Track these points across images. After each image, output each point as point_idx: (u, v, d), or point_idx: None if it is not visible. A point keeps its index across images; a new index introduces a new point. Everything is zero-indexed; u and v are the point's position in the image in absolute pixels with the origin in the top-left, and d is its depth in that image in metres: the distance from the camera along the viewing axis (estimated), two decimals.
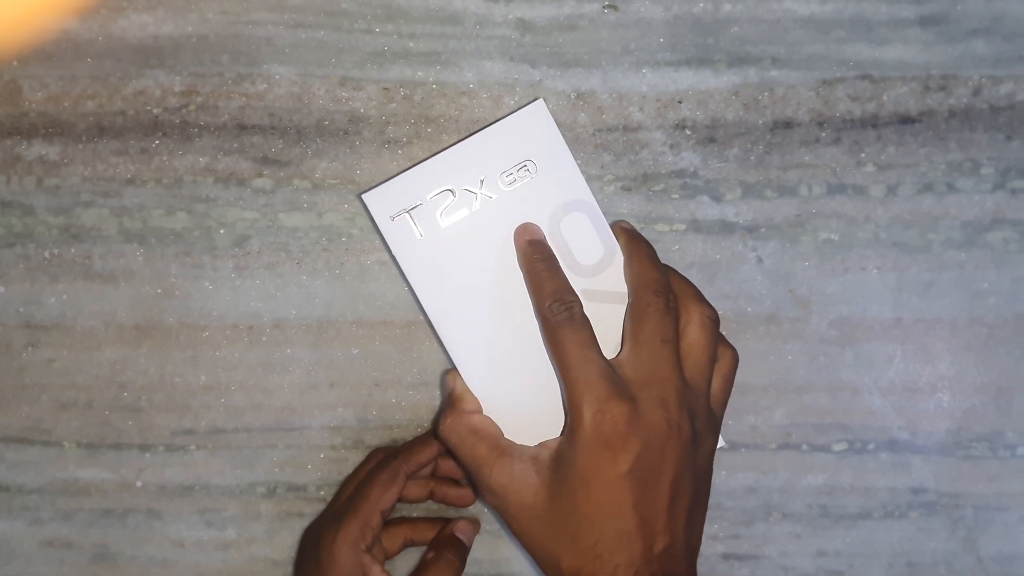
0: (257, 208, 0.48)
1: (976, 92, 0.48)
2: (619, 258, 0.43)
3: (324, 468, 0.49)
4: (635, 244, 0.43)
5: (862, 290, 0.48)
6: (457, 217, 0.43)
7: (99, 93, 0.47)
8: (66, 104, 0.47)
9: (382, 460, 0.45)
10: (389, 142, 0.47)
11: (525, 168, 0.42)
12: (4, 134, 0.47)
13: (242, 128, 0.47)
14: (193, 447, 0.49)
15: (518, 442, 0.41)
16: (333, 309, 0.48)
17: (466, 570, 0.49)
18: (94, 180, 0.47)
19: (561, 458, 0.39)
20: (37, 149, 0.47)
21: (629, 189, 0.48)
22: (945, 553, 0.50)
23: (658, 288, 0.40)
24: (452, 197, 0.42)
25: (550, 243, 0.43)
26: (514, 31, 0.47)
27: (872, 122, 0.48)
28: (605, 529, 0.38)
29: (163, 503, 0.49)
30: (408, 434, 0.49)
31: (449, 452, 0.43)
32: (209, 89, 0.47)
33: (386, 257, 0.48)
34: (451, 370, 0.44)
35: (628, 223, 0.45)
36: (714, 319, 0.41)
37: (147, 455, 0.49)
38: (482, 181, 0.43)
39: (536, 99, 0.43)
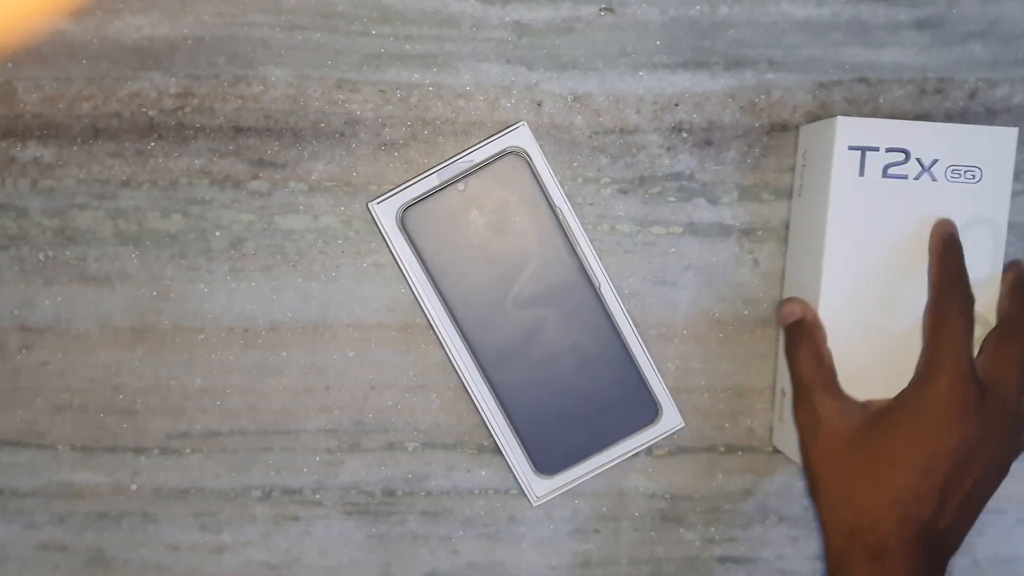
0: (253, 210, 0.47)
1: (972, 95, 0.48)
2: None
3: (320, 471, 0.49)
4: (1020, 282, 0.44)
5: None
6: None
7: (94, 95, 0.47)
8: (61, 106, 0.47)
9: None
10: (385, 144, 0.47)
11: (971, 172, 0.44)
12: None
13: (238, 130, 0.47)
14: (188, 450, 0.49)
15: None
16: (329, 312, 0.48)
17: (463, 574, 0.49)
18: (89, 182, 0.47)
19: (898, 404, 0.41)
20: (32, 151, 0.47)
21: (626, 191, 0.48)
22: None
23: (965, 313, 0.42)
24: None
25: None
26: (511, 33, 0.47)
27: None
28: (910, 484, 0.40)
29: (158, 506, 0.49)
30: (404, 437, 0.49)
31: (790, 370, 0.44)
32: (205, 91, 0.47)
33: (383, 260, 0.48)
34: (795, 298, 0.44)
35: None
36: None
37: (142, 458, 0.49)
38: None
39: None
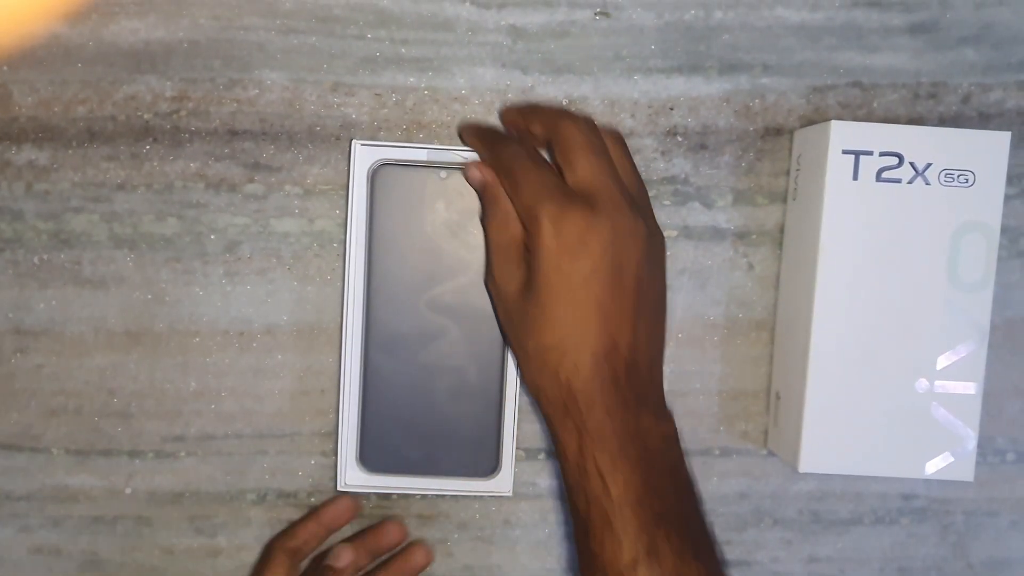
0: (248, 214, 0.47)
1: (966, 100, 0.48)
2: None
3: (315, 475, 0.49)
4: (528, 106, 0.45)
5: None
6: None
7: (90, 98, 0.47)
8: (56, 109, 0.47)
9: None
10: None
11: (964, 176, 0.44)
12: None
13: (233, 133, 0.47)
14: (183, 454, 0.49)
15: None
16: (325, 315, 0.48)
17: None
18: (84, 185, 0.47)
19: (531, 268, 0.40)
20: (27, 154, 0.47)
21: None
22: (936, 559, 0.50)
23: (574, 117, 0.42)
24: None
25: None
26: (506, 37, 0.47)
27: None
28: (569, 326, 0.39)
29: (153, 510, 0.49)
30: None
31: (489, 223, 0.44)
32: (200, 94, 0.47)
33: None
34: (477, 163, 0.44)
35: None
36: (623, 137, 0.44)
37: (137, 462, 0.49)
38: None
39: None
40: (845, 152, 0.43)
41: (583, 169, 0.40)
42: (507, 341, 0.44)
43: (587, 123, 0.42)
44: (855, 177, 0.43)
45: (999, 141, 0.43)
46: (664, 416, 0.41)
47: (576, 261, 0.39)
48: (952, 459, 0.44)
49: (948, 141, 0.43)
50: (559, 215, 0.39)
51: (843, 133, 0.43)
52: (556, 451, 0.41)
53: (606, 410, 0.39)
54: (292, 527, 0.47)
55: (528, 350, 0.41)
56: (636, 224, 0.40)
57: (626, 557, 0.37)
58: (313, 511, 0.48)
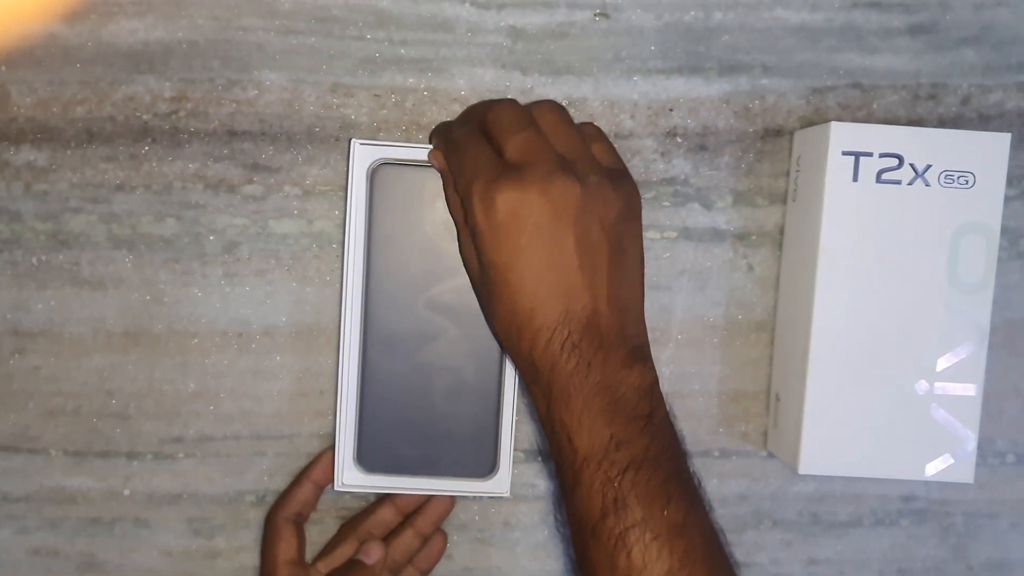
0: (247, 215, 0.47)
1: (965, 101, 0.48)
2: None
3: None
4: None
5: None
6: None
7: (88, 98, 0.47)
8: (55, 109, 0.46)
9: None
10: None
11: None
12: None
13: (232, 134, 0.47)
14: (181, 455, 0.48)
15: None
16: (323, 316, 0.48)
17: None
18: (83, 186, 0.47)
19: (475, 246, 0.41)
20: (25, 155, 0.47)
21: None
22: (935, 560, 0.50)
23: (499, 101, 0.43)
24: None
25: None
26: (505, 38, 0.47)
27: None
28: (520, 300, 0.39)
29: (151, 511, 0.49)
30: None
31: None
32: (199, 95, 0.47)
33: None
34: (434, 151, 0.44)
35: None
36: (559, 105, 0.43)
37: (135, 463, 0.48)
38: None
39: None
40: (845, 153, 0.43)
41: (511, 145, 0.40)
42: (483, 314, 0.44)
43: (510, 103, 0.43)
44: (855, 178, 0.43)
45: (999, 142, 0.43)
46: (639, 366, 0.40)
47: (511, 234, 0.39)
48: (952, 461, 0.44)
49: (948, 142, 0.43)
50: (487, 191, 0.39)
51: (843, 134, 0.43)
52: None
53: (567, 373, 0.39)
54: (288, 494, 0.47)
55: (494, 328, 0.42)
56: (568, 184, 0.39)
57: (595, 511, 0.38)
58: (303, 472, 0.47)
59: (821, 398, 0.44)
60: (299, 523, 0.46)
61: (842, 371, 0.44)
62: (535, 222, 0.39)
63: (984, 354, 0.44)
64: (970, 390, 0.44)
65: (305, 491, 0.47)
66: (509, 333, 0.40)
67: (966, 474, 0.44)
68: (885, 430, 0.44)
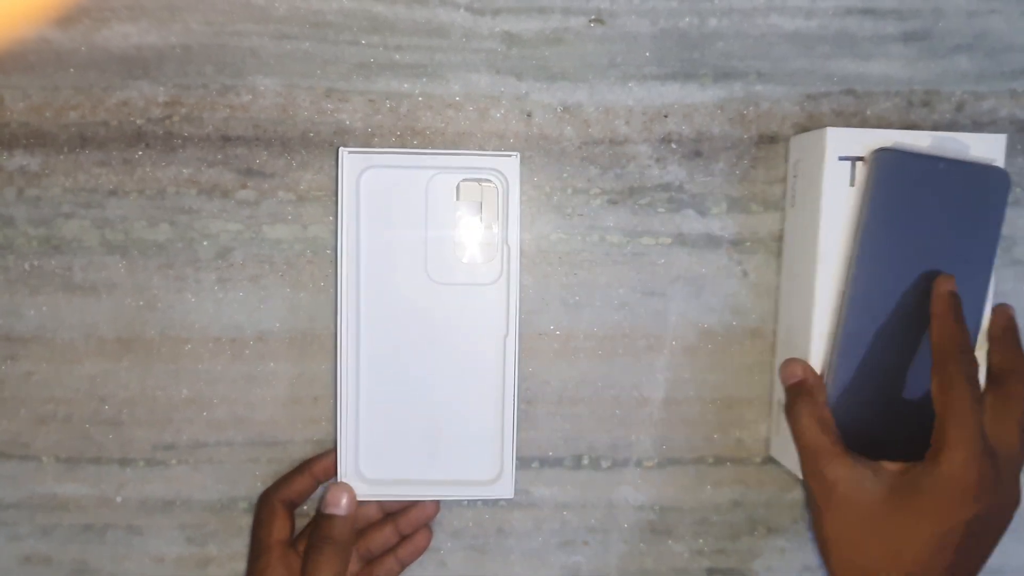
0: (241, 220, 0.47)
1: (959, 108, 0.48)
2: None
3: None
4: (1009, 330, 0.45)
5: None
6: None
7: (81, 103, 0.46)
8: (48, 114, 0.46)
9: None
10: None
11: None
12: None
13: (226, 139, 0.47)
14: (174, 461, 0.48)
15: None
16: (317, 322, 0.48)
17: None
18: (75, 191, 0.47)
19: (914, 479, 0.40)
20: (18, 160, 0.47)
21: (615, 202, 0.48)
22: None
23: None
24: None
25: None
26: (500, 44, 0.47)
27: None
28: (922, 560, 0.40)
29: (143, 518, 0.48)
30: None
31: (792, 432, 0.44)
32: (193, 100, 0.47)
33: None
34: (797, 359, 0.44)
35: (1011, 310, 0.45)
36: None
37: (127, 470, 0.48)
38: None
39: None
40: (841, 159, 0.43)
41: (1008, 432, 0.41)
42: (829, 547, 0.42)
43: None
44: (852, 183, 0.43)
45: (995, 143, 0.44)
46: None
47: (964, 504, 0.40)
48: None
49: (944, 145, 0.43)
50: (975, 457, 0.40)
51: (839, 139, 0.43)
52: None
53: None
54: (287, 479, 0.47)
55: (873, 563, 0.41)
56: (1015, 497, 0.42)
57: None
58: (305, 464, 0.47)
59: None
60: (292, 509, 0.46)
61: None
62: (985, 510, 0.40)
63: (983, 357, 0.44)
64: None
65: (304, 481, 0.47)
66: None
67: None
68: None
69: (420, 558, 0.48)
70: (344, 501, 0.45)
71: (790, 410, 0.43)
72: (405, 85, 0.47)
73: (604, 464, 0.49)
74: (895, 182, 0.43)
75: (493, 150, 0.47)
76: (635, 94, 0.47)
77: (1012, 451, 0.41)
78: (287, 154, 0.47)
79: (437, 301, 0.46)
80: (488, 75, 0.47)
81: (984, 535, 0.41)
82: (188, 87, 0.46)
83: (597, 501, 0.49)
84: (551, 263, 0.48)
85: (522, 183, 0.47)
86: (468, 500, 0.49)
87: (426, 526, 0.48)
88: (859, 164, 0.43)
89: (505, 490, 0.46)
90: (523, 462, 0.49)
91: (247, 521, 0.48)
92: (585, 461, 0.49)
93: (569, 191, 0.48)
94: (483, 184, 0.45)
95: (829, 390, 0.43)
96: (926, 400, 0.42)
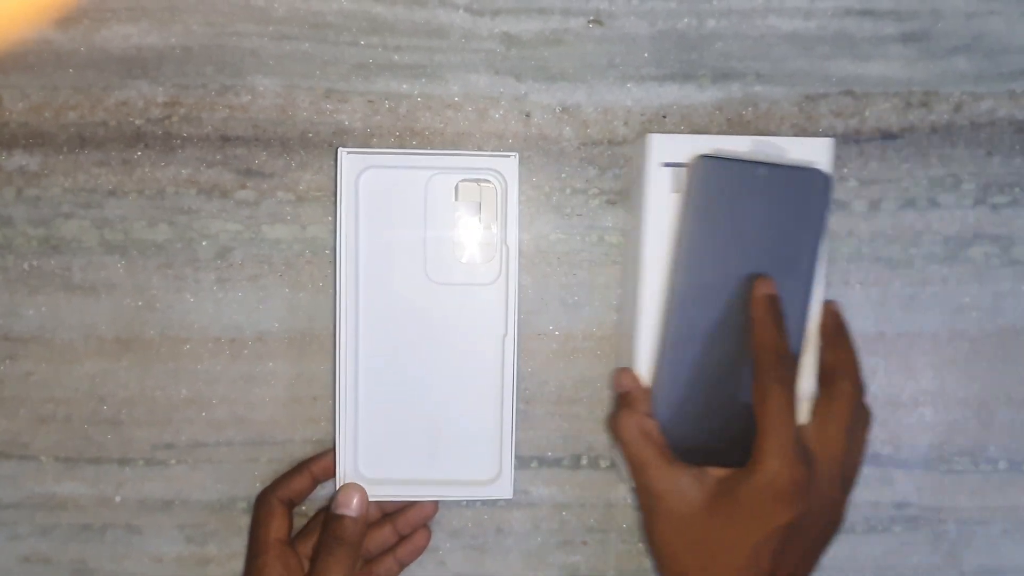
0: (240, 220, 0.47)
1: (957, 108, 0.48)
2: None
3: None
4: (839, 327, 0.44)
5: (845, 304, 0.49)
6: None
7: (81, 103, 0.46)
8: (47, 114, 0.46)
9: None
10: None
11: None
12: None
13: (225, 140, 0.47)
14: (173, 461, 0.48)
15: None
16: (316, 322, 0.48)
17: None
18: (75, 191, 0.47)
19: (731, 487, 0.41)
20: (17, 159, 0.47)
21: (614, 203, 0.48)
22: (928, 567, 0.50)
23: (856, 379, 0.43)
24: None
25: None
26: (500, 45, 0.47)
27: (854, 138, 0.48)
28: (739, 566, 0.40)
29: (143, 518, 0.48)
30: None
31: (618, 444, 0.44)
32: (192, 100, 0.47)
33: None
34: (625, 369, 0.44)
35: (837, 306, 0.45)
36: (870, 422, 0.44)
37: (127, 469, 0.48)
38: None
39: None
40: (665, 165, 0.43)
41: (831, 436, 0.42)
42: (657, 556, 0.43)
43: (861, 389, 0.43)
44: (675, 190, 0.43)
45: (822, 147, 0.43)
46: None
47: (777, 512, 0.40)
48: None
49: (765, 150, 0.43)
50: (788, 466, 0.40)
51: (661, 146, 0.43)
52: None
53: None
54: (285, 478, 0.47)
55: (697, 565, 0.41)
56: (838, 502, 0.42)
57: None
58: (304, 463, 0.47)
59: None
60: (291, 508, 0.46)
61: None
62: (801, 515, 0.41)
63: (812, 356, 0.44)
64: (806, 390, 0.44)
65: (303, 480, 0.47)
66: None
67: None
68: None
69: (419, 558, 0.48)
70: (355, 502, 0.45)
71: (613, 422, 0.43)
72: (404, 86, 0.47)
73: (603, 464, 0.49)
74: (715, 188, 0.42)
75: (492, 150, 0.47)
76: (634, 95, 0.47)
77: (834, 454, 0.41)
78: (286, 154, 0.47)
79: (436, 301, 0.46)
80: (487, 76, 0.47)
81: (803, 541, 0.41)
82: (187, 87, 0.46)
83: (596, 501, 0.49)
84: (550, 263, 0.48)
85: (521, 183, 0.47)
86: (467, 500, 0.49)
87: (425, 526, 0.48)
88: (683, 171, 0.43)
89: (504, 490, 0.47)
90: (522, 462, 0.49)
91: (246, 521, 0.48)
92: (584, 461, 0.49)
93: (568, 191, 0.48)
94: (482, 184, 0.46)
95: (656, 398, 0.43)
96: (743, 405, 0.42)
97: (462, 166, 0.45)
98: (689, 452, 0.42)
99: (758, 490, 0.40)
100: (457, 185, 0.45)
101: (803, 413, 0.43)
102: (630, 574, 0.50)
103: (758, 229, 0.42)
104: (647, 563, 0.50)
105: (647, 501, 0.42)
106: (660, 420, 0.43)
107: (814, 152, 0.43)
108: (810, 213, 0.43)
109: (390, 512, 0.48)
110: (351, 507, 0.45)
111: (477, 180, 0.46)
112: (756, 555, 0.40)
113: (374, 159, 0.45)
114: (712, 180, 0.42)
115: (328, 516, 0.45)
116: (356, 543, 0.44)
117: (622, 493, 0.49)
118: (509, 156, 0.45)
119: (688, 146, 0.43)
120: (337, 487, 0.46)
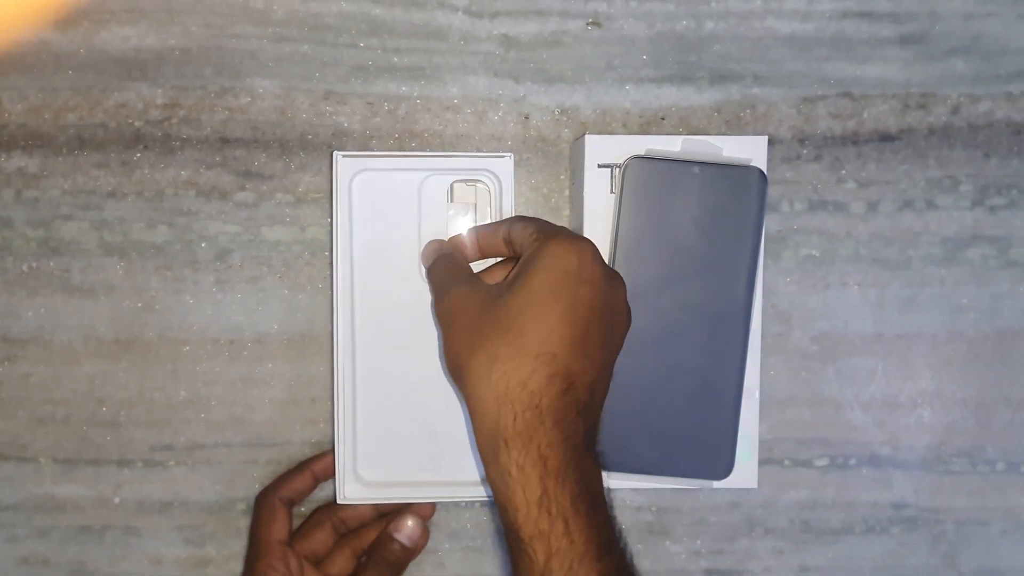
0: (239, 222, 0.47)
1: (955, 110, 0.48)
2: None
3: None
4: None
5: (843, 305, 0.49)
6: None
7: (80, 105, 0.46)
8: (46, 116, 0.46)
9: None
10: None
11: None
12: None
13: (225, 141, 0.47)
14: (172, 463, 0.48)
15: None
16: (315, 323, 0.48)
17: None
18: (74, 193, 0.47)
19: (525, 266, 0.39)
20: (16, 161, 0.47)
21: None
22: (926, 568, 0.50)
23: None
24: None
25: None
26: (498, 47, 0.47)
27: (853, 139, 0.48)
28: (549, 337, 0.37)
29: (141, 520, 0.48)
30: None
31: (431, 281, 0.44)
32: (192, 102, 0.47)
33: None
34: (432, 240, 0.45)
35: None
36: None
37: (125, 471, 0.48)
38: None
39: None
40: (601, 166, 0.44)
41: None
42: (458, 361, 0.40)
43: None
44: (612, 190, 0.44)
45: (756, 144, 0.44)
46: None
47: (578, 283, 0.38)
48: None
49: (702, 148, 0.44)
50: (578, 244, 0.39)
51: (597, 147, 0.43)
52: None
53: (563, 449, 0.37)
54: (285, 478, 0.47)
55: (505, 344, 0.38)
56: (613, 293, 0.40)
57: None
58: (305, 463, 0.47)
59: None
60: (291, 508, 0.47)
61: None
62: (598, 291, 0.39)
63: (758, 359, 0.44)
64: (754, 393, 0.45)
65: (303, 480, 0.47)
66: (514, 356, 0.39)
67: (750, 479, 0.45)
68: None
69: (418, 558, 0.48)
70: (412, 533, 0.47)
71: (430, 269, 0.44)
72: (403, 88, 0.47)
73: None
74: (648, 188, 0.43)
75: (490, 152, 0.47)
76: (632, 96, 0.48)
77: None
78: (285, 156, 0.47)
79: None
80: (486, 77, 0.47)
81: (600, 314, 0.38)
82: (187, 89, 0.47)
83: None
84: None
85: (519, 185, 0.47)
86: (466, 501, 0.49)
87: (424, 526, 0.48)
88: (617, 171, 0.44)
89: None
90: None
91: (245, 522, 0.48)
92: None
93: (566, 193, 0.48)
94: (476, 186, 0.46)
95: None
96: (683, 408, 0.43)
97: (456, 167, 0.45)
98: (620, 461, 0.43)
99: (551, 260, 0.38)
100: (451, 186, 0.45)
101: None
102: None
103: (693, 228, 0.43)
104: (646, 564, 0.50)
105: (446, 311, 0.40)
106: (605, 432, 0.41)
107: (749, 150, 0.44)
108: (746, 211, 0.43)
109: (386, 512, 0.48)
110: (408, 537, 0.47)
111: (470, 181, 0.46)
112: (565, 321, 0.37)
113: (369, 162, 0.45)
114: (644, 180, 0.43)
115: (385, 535, 0.46)
116: (402, 570, 0.47)
117: (620, 494, 0.49)
118: (503, 156, 0.45)
119: (624, 147, 0.43)
120: (337, 487, 0.46)
